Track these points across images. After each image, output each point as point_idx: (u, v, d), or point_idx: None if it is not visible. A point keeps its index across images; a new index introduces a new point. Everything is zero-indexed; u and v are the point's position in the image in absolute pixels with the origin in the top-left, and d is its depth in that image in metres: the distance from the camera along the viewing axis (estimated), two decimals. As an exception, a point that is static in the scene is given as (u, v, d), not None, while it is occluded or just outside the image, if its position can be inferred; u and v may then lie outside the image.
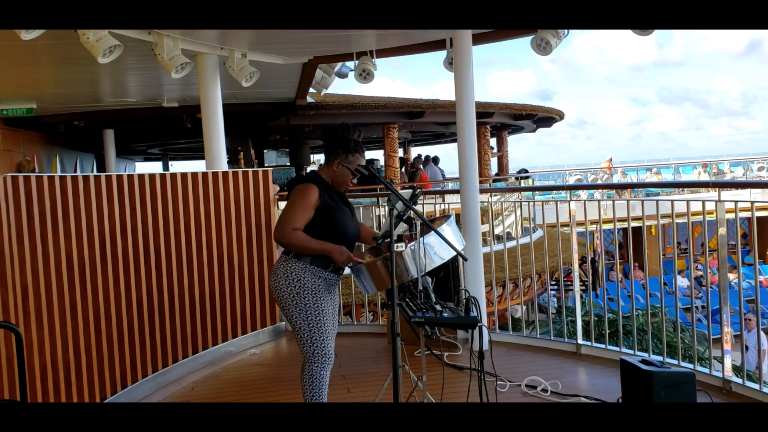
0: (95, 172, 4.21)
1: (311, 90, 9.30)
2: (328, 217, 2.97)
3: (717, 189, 3.94)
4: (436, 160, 14.88)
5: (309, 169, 15.07)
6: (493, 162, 17.45)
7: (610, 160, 21.24)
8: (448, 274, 4.55)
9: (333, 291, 3.12)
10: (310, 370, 2.97)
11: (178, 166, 23.21)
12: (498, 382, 3.95)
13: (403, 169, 15.15)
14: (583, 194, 11.50)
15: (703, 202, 3.96)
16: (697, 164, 22.56)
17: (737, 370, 3.84)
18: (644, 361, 3.25)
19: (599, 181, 20.04)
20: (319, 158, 20.23)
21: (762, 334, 7.62)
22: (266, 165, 16.21)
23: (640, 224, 4.42)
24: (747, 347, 6.74)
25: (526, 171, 18.67)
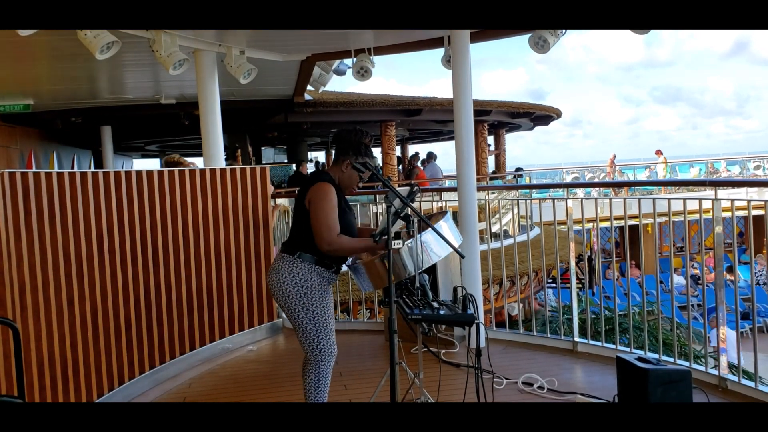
0: (92, 169, 4.21)
1: (309, 87, 9.31)
2: (342, 220, 2.96)
3: (713, 187, 3.95)
4: (430, 156, 14.85)
5: (309, 165, 15.07)
6: (491, 160, 17.48)
7: (614, 157, 21.22)
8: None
9: (331, 288, 3.14)
10: (317, 369, 2.97)
11: (175, 163, 23.12)
12: (494, 380, 3.97)
13: (400, 167, 15.15)
14: (580, 192, 11.54)
15: (700, 200, 3.98)
16: (694, 163, 22.55)
17: (733, 367, 3.85)
18: (640, 359, 3.26)
19: (596, 180, 20.05)
20: (316, 155, 20.24)
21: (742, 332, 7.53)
22: (264, 162, 16.22)
23: (637, 222, 4.43)
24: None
25: (521, 169, 18.72)
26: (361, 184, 3.10)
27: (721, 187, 4.17)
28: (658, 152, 20.57)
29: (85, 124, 11.46)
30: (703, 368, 3.92)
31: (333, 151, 3.14)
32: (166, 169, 4.46)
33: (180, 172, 4.52)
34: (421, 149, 18.04)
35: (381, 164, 13.31)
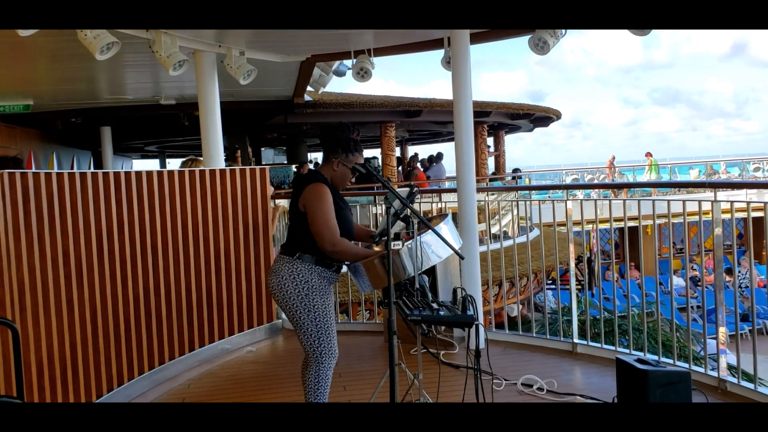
0: (92, 170, 4.21)
1: (309, 88, 9.30)
2: (339, 216, 2.96)
3: (713, 189, 3.95)
4: (440, 156, 14.84)
5: (309, 166, 15.09)
6: (490, 161, 17.48)
7: (613, 158, 21.22)
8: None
9: (332, 288, 3.14)
10: (317, 370, 2.97)
11: (175, 164, 23.17)
12: (494, 381, 3.97)
13: (400, 168, 15.15)
14: (580, 194, 11.54)
15: (699, 202, 3.98)
16: (693, 165, 22.59)
17: (732, 369, 3.85)
18: (640, 360, 3.26)
19: (596, 181, 20.06)
20: (316, 156, 20.25)
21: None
22: (263, 163, 16.21)
23: (637, 224, 4.43)
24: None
25: (518, 170, 18.73)
26: (353, 179, 3.09)
27: (721, 188, 4.17)
28: (648, 154, 20.65)
29: (85, 124, 11.44)
30: (702, 370, 3.92)
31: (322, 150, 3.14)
32: (165, 170, 4.46)
33: (180, 172, 4.52)
34: (421, 150, 18.05)
35: (381, 165, 13.32)
